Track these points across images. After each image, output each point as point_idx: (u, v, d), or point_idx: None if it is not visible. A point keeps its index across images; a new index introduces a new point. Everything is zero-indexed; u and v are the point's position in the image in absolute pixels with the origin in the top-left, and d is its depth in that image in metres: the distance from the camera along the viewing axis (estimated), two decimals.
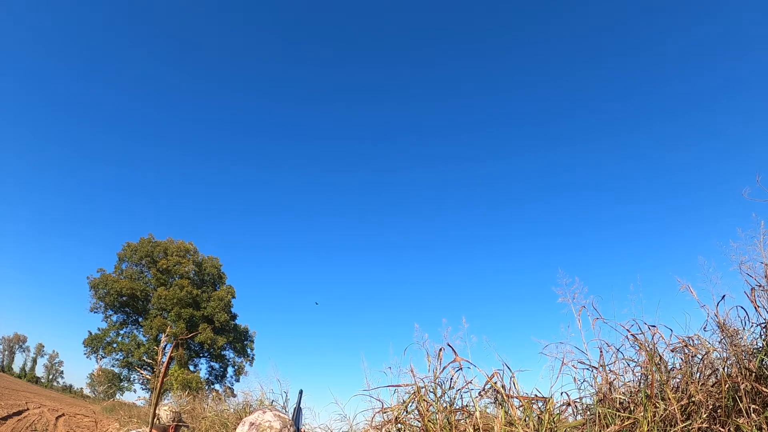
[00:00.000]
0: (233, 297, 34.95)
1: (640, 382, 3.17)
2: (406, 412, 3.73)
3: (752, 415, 2.58)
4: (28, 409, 18.92)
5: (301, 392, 2.00)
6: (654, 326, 3.23)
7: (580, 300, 3.48)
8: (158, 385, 1.31)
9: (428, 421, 3.49)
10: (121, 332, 34.67)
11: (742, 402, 2.61)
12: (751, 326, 2.98)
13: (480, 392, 3.51)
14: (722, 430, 2.64)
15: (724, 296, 3.07)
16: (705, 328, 3.14)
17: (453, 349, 3.62)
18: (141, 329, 33.98)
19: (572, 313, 3.47)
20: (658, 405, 2.81)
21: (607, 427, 2.91)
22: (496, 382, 3.40)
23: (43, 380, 76.12)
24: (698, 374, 3.01)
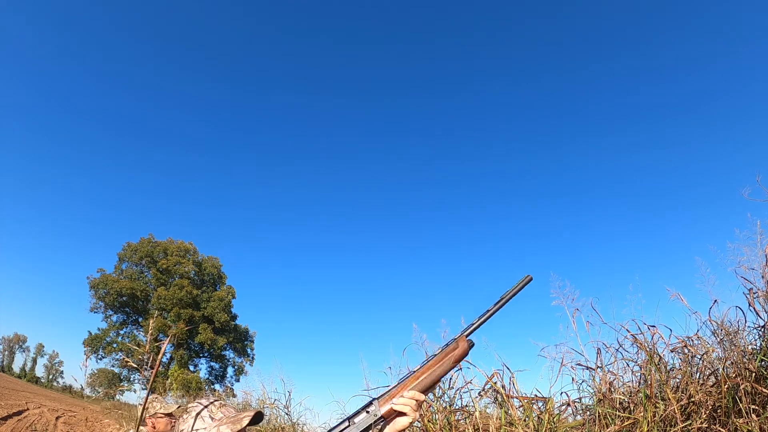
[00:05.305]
0: (233, 297, 34.96)
1: (639, 382, 3.17)
2: None
3: (752, 415, 2.58)
4: (28, 409, 18.92)
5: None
6: (653, 326, 3.24)
7: (576, 302, 3.48)
8: (151, 380, 1.31)
9: (428, 421, 3.49)
10: (121, 332, 34.70)
11: (741, 402, 2.62)
12: (750, 327, 2.99)
13: (480, 392, 3.52)
14: (722, 430, 2.64)
15: (716, 301, 3.07)
16: (698, 333, 3.15)
17: None
18: (141, 329, 33.98)
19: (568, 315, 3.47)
20: (657, 405, 2.81)
21: (607, 427, 2.91)
22: (495, 382, 3.40)
23: (43, 380, 76.05)
24: (698, 374, 3.02)
